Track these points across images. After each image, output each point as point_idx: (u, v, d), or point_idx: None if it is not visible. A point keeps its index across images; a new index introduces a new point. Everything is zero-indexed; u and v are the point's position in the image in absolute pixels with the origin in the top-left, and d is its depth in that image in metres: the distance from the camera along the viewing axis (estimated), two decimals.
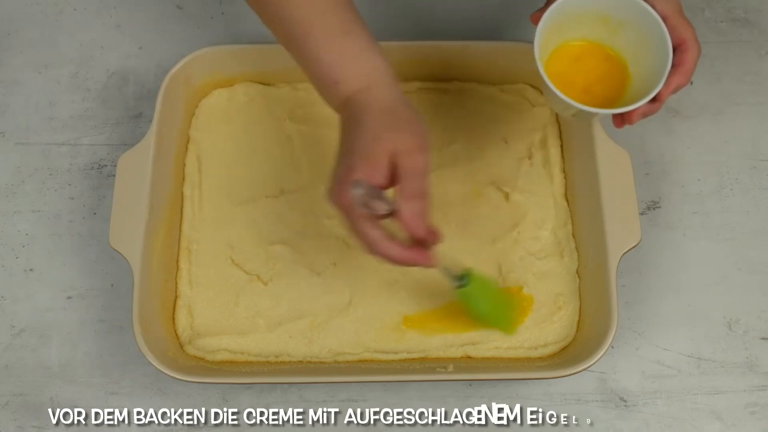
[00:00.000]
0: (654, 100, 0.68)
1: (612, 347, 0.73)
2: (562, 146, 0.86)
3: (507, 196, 0.84)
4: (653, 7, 0.68)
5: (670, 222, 0.86)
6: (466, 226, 0.83)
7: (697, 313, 0.83)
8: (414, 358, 0.79)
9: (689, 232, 0.86)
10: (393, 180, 0.63)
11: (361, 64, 0.66)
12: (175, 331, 0.80)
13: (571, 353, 0.77)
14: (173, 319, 0.80)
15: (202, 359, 0.79)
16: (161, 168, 0.80)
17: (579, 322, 0.79)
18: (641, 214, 0.84)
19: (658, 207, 0.87)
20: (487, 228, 0.83)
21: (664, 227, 0.86)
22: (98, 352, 0.82)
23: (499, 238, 0.82)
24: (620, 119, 0.71)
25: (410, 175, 0.62)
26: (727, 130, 0.90)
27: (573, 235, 0.82)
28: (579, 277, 0.81)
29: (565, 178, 0.85)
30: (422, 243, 0.66)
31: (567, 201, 0.84)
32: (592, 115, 0.69)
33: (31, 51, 0.95)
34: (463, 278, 0.73)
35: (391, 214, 0.63)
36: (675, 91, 0.69)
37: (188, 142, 0.87)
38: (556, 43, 0.73)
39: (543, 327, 0.79)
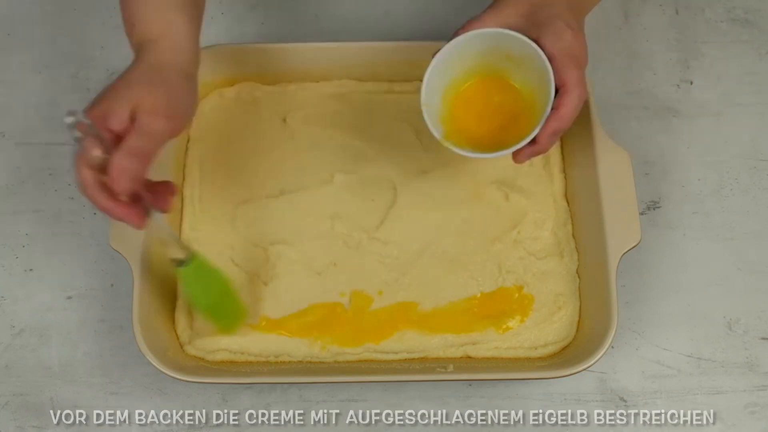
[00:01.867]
0: (535, 142, 0.68)
1: (612, 347, 0.73)
2: (562, 146, 0.86)
3: (507, 196, 0.84)
4: (543, 45, 0.67)
5: (670, 222, 0.86)
6: (466, 226, 0.83)
7: (697, 313, 0.83)
8: (414, 358, 0.79)
9: (689, 232, 0.86)
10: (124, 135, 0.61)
11: (161, 17, 0.66)
12: (175, 331, 0.80)
13: (571, 353, 0.77)
14: (173, 319, 0.80)
15: (202, 359, 0.79)
16: (161, 168, 0.80)
17: (579, 322, 0.79)
18: (641, 214, 0.84)
19: (658, 207, 0.87)
20: (487, 228, 0.83)
21: (664, 227, 0.86)
22: (98, 352, 0.82)
23: (499, 238, 0.82)
24: (514, 156, 0.70)
25: (140, 131, 0.60)
26: (727, 130, 0.90)
27: (573, 235, 0.82)
28: (579, 277, 0.81)
29: (565, 178, 0.85)
30: (139, 204, 0.63)
31: (567, 201, 0.84)
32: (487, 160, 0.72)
33: (31, 51, 0.95)
34: (185, 260, 0.71)
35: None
36: (553, 134, 0.67)
37: (188, 142, 0.87)
38: (456, 76, 0.74)
39: (543, 327, 0.79)
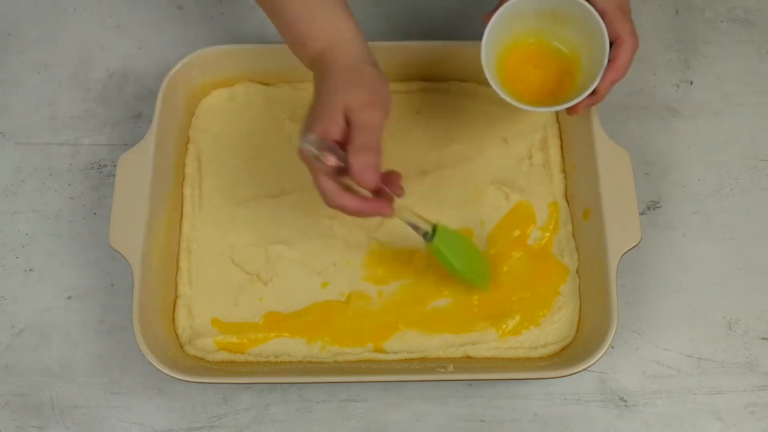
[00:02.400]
0: (594, 93, 0.72)
1: (612, 347, 0.73)
2: (562, 146, 0.86)
3: (507, 196, 0.84)
4: (594, 3, 0.71)
5: (670, 222, 0.86)
6: (465, 227, 0.83)
7: (697, 313, 0.83)
8: (414, 358, 0.79)
9: (689, 232, 0.86)
10: (348, 134, 0.65)
11: (327, 24, 0.69)
12: (175, 331, 0.80)
13: (571, 353, 0.77)
14: (173, 319, 0.80)
15: (202, 359, 0.79)
16: (161, 168, 0.80)
17: (579, 322, 0.79)
18: (641, 214, 0.84)
19: (658, 207, 0.87)
20: (486, 228, 0.83)
21: (664, 227, 0.86)
22: (98, 352, 0.82)
23: (499, 237, 0.82)
24: (570, 109, 0.74)
25: (360, 128, 0.64)
26: (727, 130, 0.90)
27: (573, 235, 0.82)
28: (579, 277, 0.81)
29: (565, 178, 0.85)
30: (382, 196, 0.68)
31: (567, 201, 0.84)
32: (542, 114, 0.74)
33: (31, 51, 0.95)
34: (430, 232, 0.73)
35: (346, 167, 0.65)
36: (611, 84, 0.72)
37: (188, 142, 0.87)
38: (506, 42, 0.76)
39: (543, 327, 0.79)
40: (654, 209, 0.87)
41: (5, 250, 0.86)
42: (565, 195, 0.84)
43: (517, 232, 0.83)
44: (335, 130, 0.65)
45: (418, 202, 0.83)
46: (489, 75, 0.73)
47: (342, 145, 0.65)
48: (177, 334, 0.80)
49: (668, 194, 0.87)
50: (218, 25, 0.96)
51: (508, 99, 0.73)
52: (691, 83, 0.92)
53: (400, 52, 0.86)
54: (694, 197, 0.87)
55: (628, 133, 0.89)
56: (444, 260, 0.75)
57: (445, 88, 0.89)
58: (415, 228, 0.73)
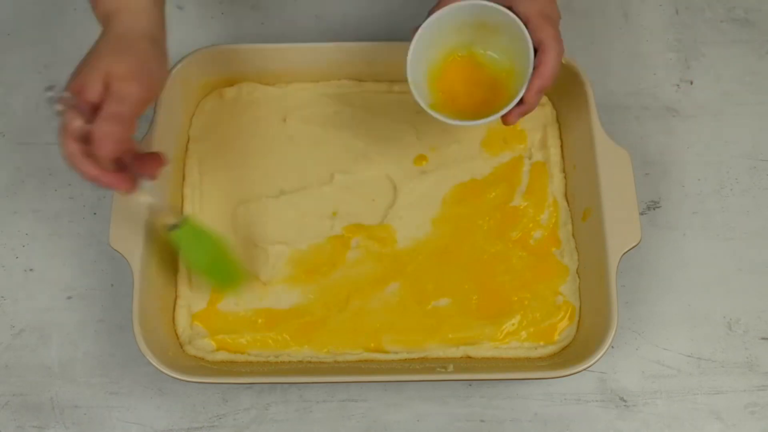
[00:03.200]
0: (522, 102, 0.70)
1: (612, 347, 0.73)
2: (562, 146, 0.86)
3: (507, 196, 0.84)
4: (516, 9, 0.70)
5: (670, 222, 0.86)
6: (465, 226, 0.83)
7: (697, 313, 0.83)
8: (414, 358, 0.79)
9: (689, 232, 0.86)
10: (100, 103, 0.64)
11: None
12: (175, 331, 0.80)
13: (571, 353, 0.77)
14: (173, 319, 0.80)
15: (202, 359, 0.79)
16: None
17: (579, 322, 0.79)
18: (641, 214, 0.84)
19: (658, 207, 0.87)
20: (487, 228, 0.83)
21: (664, 227, 0.86)
22: (98, 352, 0.82)
23: (499, 237, 0.82)
24: (504, 119, 0.72)
25: (114, 98, 0.63)
26: (727, 130, 0.90)
27: (573, 235, 0.82)
28: (579, 277, 0.81)
29: (565, 178, 0.85)
30: (128, 172, 0.66)
31: (567, 201, 0.84)
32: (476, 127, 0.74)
33: (31, 51, 0.95)
34: (177, 224, 0.74)
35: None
36: (539, 92, 0.70)
37: (188, 142, 0.87)
38: (437, 56, 0.75)
39: (543, 327, 0.79)
40: (654, 209, 0.87)
41: (5, 250, 0.86)
42: (565, 195, 0.84)
43: (517, 233, 0.83)
44: (91, 91, 0.63)
45: (419, 201, 0.84)
46: (415, 91, 0.71)
47: (94, 110, 0.63)
48: (177, 334, 0.80)
49: (668, 194, 0.87)
50: (218, 25, 0.96)
51: (436, 115, 0.72)
52: (691, 83, 0.92)
53: (400, 52, 0.85)
54: (694, 197, 0.87)
55: (628, 133, 0.89)
56: (185, 253, 0.76)
57: None
58: (158, 214, 0.73)
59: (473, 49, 0.75)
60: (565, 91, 0.85)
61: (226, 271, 0.79)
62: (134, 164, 0.67)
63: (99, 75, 0.64)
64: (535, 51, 0.69)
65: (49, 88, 0.62)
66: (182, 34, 0.96)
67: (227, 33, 0.96)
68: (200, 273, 0.78)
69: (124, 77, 0.64)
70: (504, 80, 0.74)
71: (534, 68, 0.69)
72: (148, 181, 0.69)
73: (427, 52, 0.74)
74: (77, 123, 0.63)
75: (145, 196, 0.70)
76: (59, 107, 0.62)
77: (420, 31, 0.72)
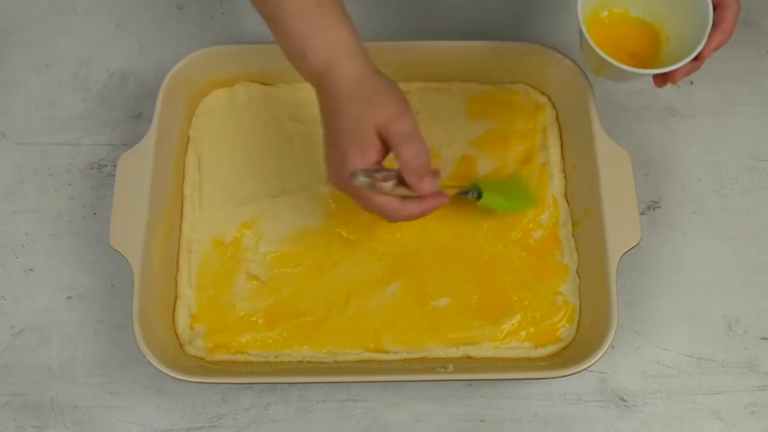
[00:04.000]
0: (696, 58, 0.70)
1: (612, 347, 0.73)
2: (562, 146, 0.86)
3: None
4: None
5: (670, 222, 0.86)
6: (465, 226, 0.83)
7: (697, 313, 0.83)
8: (414, 358, 0.79)
9: (689, 232, 0.86)
10: (387, 148, 0.66)
11: (327, 37, 0.67)
12: (175, 331, 0.80)
13: (571, 353, 0.77)
14: (173, 319, 0.80)
15: (202, 359, 0.79)
16: (161, 168, 0.80)
17: (579, 322, 0.79)
18: (641, 214, 0.84)
19: (658, 207, 0.87)
20: (486, 227, 0.83)
21: (664, 227, 0.86)
22: (98, 352, 0.82)
23: (499, 237, 0.82)
24: (661, 78, 0.72)
25: (401, 141, 0.64)
26: (727, 130, 0.90)
27: (573, 235, 0.82)
28: (579, 277, 0.81)
29: (565, 178, 0.85)
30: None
31: (567, 201, 0.84)
32: (632, 75, 0.71)
33: (31, 51, 0.95)
34: (476, 190, 0.78)
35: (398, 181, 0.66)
36: (717, 48, 0.70)
37: (188, 142, 0.87)
38: (593, 11, 0.74)
39: (543, 327, 0.79)
40: (654, 209, 0.87)
41: (5, 250, 0.86)
42: (565, 195, 0.84)
43: (517, 233, 0.83)
44: (374, 154, 0.65)
45: None
46: (586, 34, 0.70)
47: (380, 162, 0.66)
48: (177, 334, 0.80)
49: (668, 194, 0.87)
50: (218, 25, 0.96)
51: (610, 59, 0.69)
52: (691, 83, 0.92)
53: (401, 52, 0.86)
54: (694, 197, 0.87)
55: (628, 133, 0.89)
56: (498, 207, 0.81)
57: (446, 88, 0.89)
58: (465, 194, 0.78)
59: (626, 7, 0.75)
60: (565, 91, 0.85)
61: (523, 192, 0.83)
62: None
63: (373, 132, 0.65)
64: (715, 8, 0.69)
65: (356, 176, 0.63)
66: (182, 34, 0.96)
67: (227, 33, 0.96)
68: (516, 209, 0.83)
69: (394, 119, 0.65)
70: (653, 41, 0.74)
71: (714, 24, 0.69)
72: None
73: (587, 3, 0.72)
74: (388, 186, 0.65)
75: (453, 190, 0.77)
76: (367, 182, 0.64)
77: None
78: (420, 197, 0.68)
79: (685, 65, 0.70)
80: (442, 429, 0.79)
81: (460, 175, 0.85)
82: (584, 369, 0.72)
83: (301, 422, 0.79)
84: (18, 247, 0.86)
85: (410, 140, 0.65)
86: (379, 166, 0.66)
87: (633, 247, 0.75)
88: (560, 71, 0.84)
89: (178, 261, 0.82)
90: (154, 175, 0.78)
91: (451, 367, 0.76)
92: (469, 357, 0.79)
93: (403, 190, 0.67)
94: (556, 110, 0.88)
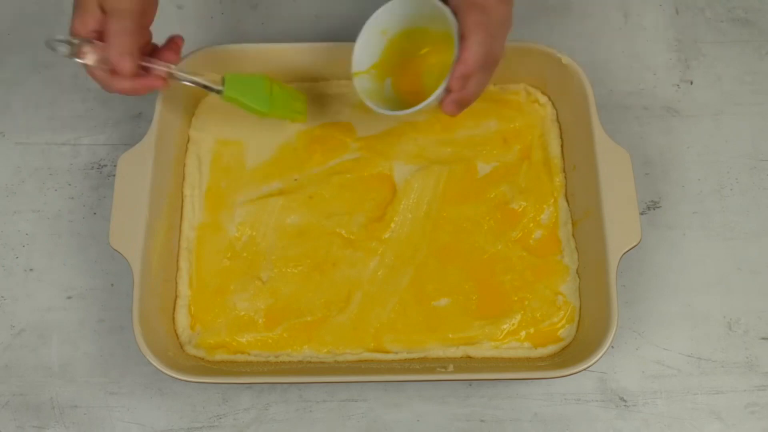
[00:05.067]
0: (449, 90, 0.71)
1: (612, 347, 0.74)
2: (562, 146, 0.86)
3: (507, 196, 0.84)
4: (448, 1, 0.71)
5: (670, 222, 0.86)
6: (465, 226, 0.83)
7: (697, 313, 0.83)
8: (414, 358, 0.79)
9: (689, 232, 0.86)
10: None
11: None
12: (175, 331, 0.80)
13: (571, 353, 0.77)
14: (173, 319, 0.80)
15: (202, 359, 0.79)
16: (161, 168, 0.80)
17: (579, 322, 0.79)
18: (641, 214, 0.84)
19: (658, 207, 0.87)
20: (487, 227, 0.83)
21: (664, 227, 0.86)
22: (98, 352, 0.82)
23: (500, 237, 0.82)
24: (444, 108, 0.73)
25: (112, 14, 0.67)
26: (727, 130, 0.90)
27: (573, 235, 0.82)
28: (579, 277, 0.81)
29: (565, 178, 0.85)
30: (151, 71, 0.72)
31: (567, 201, 0.84)
32: (396, 117, 0.75)
33: (31, 51, 0.95)
34: (221, 86, 0.77)
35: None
36: (462, 78, 0.70)
37: (188, 142, 0.87)
38: (384, 47, 0.78)
39: (543, 327, 0.79)
40: (654, 209, 0.87)
41: (5, 250, 0.86)
42: (565, 195, 0.84)
43: (517, 233, 0.83)
44: (92, 21, 0.68)
45: (419, 201, 0.84)
46: (357, 84, 0.76)
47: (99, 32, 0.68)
48: (177, 334, 0.80)
49: (668, 194, 0.87)
50: (218, 25, 0.96)
51: (369, 104, 0.75)
52: (691, 83, 0.92)
53: None
54: (694, 197, 0.87)
55: (628, 133, 0.89)
56: (244, 106, 0.78)
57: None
58: (204, 87, 0.76)
59: (420, 42, 0.78)
60: (565, 91, 0.85)
61: (286, 100, 0.82)
62: (159, 59, 0.73)
63: (94, 4, 0.67)
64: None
65: (49, 43, 0.67)
66: (182, 34, 0.95)
67: (227, 33, 0.96)
68: (267, 113, 0.80)
69: None
70: (443, 72, 0.74)
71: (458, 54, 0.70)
72: (172, 67, 0.74)
73: (374, 46, 0.77)
74: (94, 57, 0.68)
75: (186, 77, 0.75)
76: (67, 52, 0.68)
77: (364, 29, 0.75)
78: (135, 76, 0.70)
79: (448, 97, 0.71)
80: (442, 429, 0.79)
81: None
82: (584, 369, 0.72)
83: (301, 422, 0.79)
84: (18, 247, 0.86)
85: (120, 17, 0.67)
86: (95, 34, 0.69)
87: (633, 247, 0.75)
88: (560, 71, 0.84)
89: (178, 261, 0.82)
90: (154, 175, 0.78)
91: (451, 367, 0.76)
92: (469, 357, 0.79)
93: None
94: (556, 110, 0.88)
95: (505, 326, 0.79)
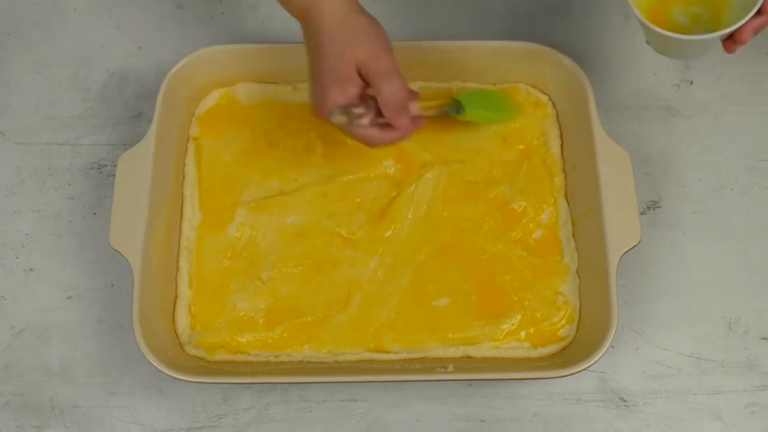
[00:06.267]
0: (761, 12, 0.66)
1: (612, 347, 0.73)
2: (562, 146, 0.86)
3: (507, 196, 0.84)
4: None
5: (670, 222, 0.86)
6: (465, 226, 0.83)
7: (697, 313, 0.83)
8: (414, 358, 0.79)
9: (689, 232, 0.86)
10: (366, 84, 0.71)
11: None
12: (175, 331, 0.80)
13: (571, 353, 0.77)
14: (173, 319, 0.80)
15: (202, 359, 0.79)
16: (161, 168, 0.80)
17: (579, 322, 0.79)
18: (641, 214, 0.84)
19: (658, 207, 0.87)
20: (487, 228, 0.83)
21: (664, 227, 0.86)
22: (98, 352, 0.82)
23: (500, 237, 0.82)
24: (731, 43, 0.70)
25: (380, 79, 0.69)
26: (727, 130, 0.90)
27: (573, 235, 0.82)
28: (579, 277, 0.81)
29: (565, 178, 0.85)
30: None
31: (567, 201, 0.84)
32: (697, 46, 0.68)
33: (31, 51, 0.95)
34: (456, 106, 0.81)
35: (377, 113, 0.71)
36: None
37: (188, 142, 0.87)
38: None
39: (543, 327, 0.79)
40: (654, 209, 0.87)
41: (5, 250, 0.86)
42: (565, 195, 0.84)
43: (517, 233, 0.83)
44: (354, 90, 0.70)
45: (419, 201, 0.84)
46: (637, 13, 0.68)
47: (360, 96, 0.71)
48: (177, 334, 0.80)
49: (668, 194, 0.87)
50: (218, 25, 0.96)
51: (657, 29, 0.67)
52: (691, 83, 0.92)
53: (401, 52, 0.85)
54: (694, 197, 0.87)
55: (628, 133, 0.89)
56: (482, 118, 0.84)
57: (446, 88, 0.89)
58: (446, 113, 0.80)
59: None
60: (565, 91, 0.85)
61: (504, 103, 0.86)
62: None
63: (353, 69, 0.69)
64: None
65: (333, 114, 0.69)
66: (182, 34, 0.96)
67: (227, 33, 0.96)
68: (499, 119, 0.85)
69: (375, 58, 0.69)
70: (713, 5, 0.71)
71: None
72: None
73: None
74: (366, 120, 0.71)
75: (431, 111, 0.79)
76: (344, 119, 0.70)
77: None
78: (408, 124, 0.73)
79: (749, 22, 0.66)
80: (442, 429, 0.79)
81: None
82: (584, 369, 0.72)
83: (301, 422, 0.79)
84: (18, 247, 0.86)
85: (388, 78, 0.69)
86: (358, 100, 0.71)
87: (633, 247, 0.75)
88: (560, 71, 0.84)
89: (178, 261, 0.82)
90: (154, 175, 0.78)
91: (451, 367, 0.76)
92: (469, 357, 0.79)
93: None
94: (556, 110, 0.88)
95: (505, 326, 0.79)
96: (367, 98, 0.72)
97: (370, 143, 0.73)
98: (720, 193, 0.87)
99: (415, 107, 0.75)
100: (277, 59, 0.86)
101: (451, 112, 0.81)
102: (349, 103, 0.70)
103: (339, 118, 0.69)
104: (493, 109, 0.84)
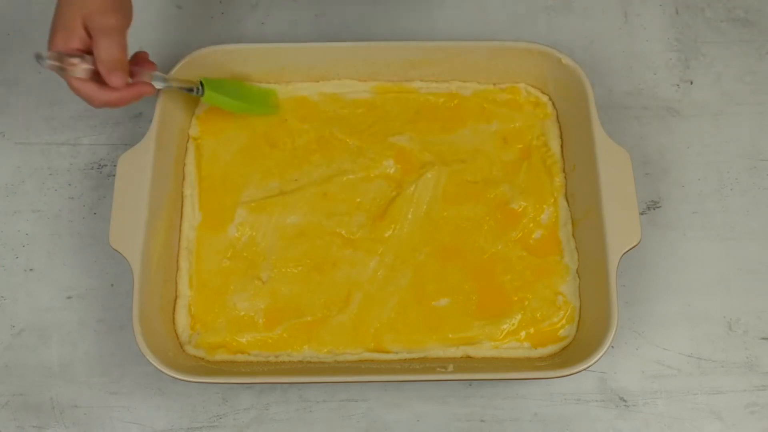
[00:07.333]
0: None
1: (612, 347, 0.74)
2: (562, 146, 0.86)
3: (507, 196, 0.84)
4: None
5: (670, 222, 0.86)
6: (465, 226, 0.83)
7: (697, 313, 0.83)
8: (414, 358, 0.79)
9: (689, 232, 0.86)
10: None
11: None
12: (175, 331, 0.80)
13: (571, 353, 0.77)
14: (173, 319, 0.80)
15: (202, 359, 0.79)
16: (161, 168, 0.80)
17: (579, 322, 0.79)
18: (641, 214, 0.84)
19: (658, 207, 0.87)
20: (487, 228, 0.83)
21: (664, 227, 0.86)
22: (98, 351, 0.82)
23: (499, 237, 0.82)
24: None
25: (99, 34, 0.70)
26: (727, 130, 0.90)
27: (573, 235, 0.82)
28: (579, 277, 0.81)
29: (565, 178, 0.85)
30: (138, 79, 0.75)
31: (567, 201, 0.84)
32: None
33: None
34: (200, 87, 0.82)
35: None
36: None
37: (188, 141, 0.87)
38: None
39: (543, 327, 0.79)
40: (654, 209, 0.87)
41: (5, 250, 0.86)
42: (565, 195, 0.84)
43: (517, 233, 0.83)
44: (76, 40, 0.70)
45: (419, 201, 0.84)
46: None
47: (87, 52, 0.71)
48: (177, 334, 0.80)
49: (668, 194, 0.87)
50: (218, 25, 0.96)
51: None
52: (691, 83, 0.92)
53: (401, 52, 0.86)
54: (694, 197, 0.87)
55: (628, 133, 0.89)
56: (223, 104, 0.84)
57: (446, 88, 0.89)
58: (185, 90, 0.81)
59: None
60: (565, 91, 0.85)
61: (257, 98, 0.87)
62: (137, 70, 0.75)
63: (78, 20, 0.69)
64: None
65: (39, 56, 0.69)
66: (182, 34, 0.96)
67: (227, 33, 0.96)
68: (240, 110, 0.85)
69: (101, 12, 0.70)
70: None
71: None
72: (154, 73, 0.77)
73: None
74: (80, 69, 0.70)
75: (167, 83, 0.79)
76: (55, 65, 0.69)
77: None
78: (123, 89, 0.73)
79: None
80: (442, 429, 0.79)
81: None
82: (584, 369, 0.72)
83: (301, 422, 0.79)
84: (18, 247, 0.86)
85: (108, 35, 0.70)
86: (79, 52, 0.71)
87: (633, 247, 0.75)
88: (560, 71, 0.84)
89: (178, 261, 0.82)
90: (154, 174, 0.78)
91: (451, 367, 0.76)
92: (469, 357, 0.79)
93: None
94: (556, 110, 0.88)
95: (505, 326, 0.79)
96: (90, 54, 0.72)
97: (90, 99, 0.73)
98: (720, 193, 0.87)
99: (148, 76, 0.76)
100: (277, 59, 0.86)
101: (191, 92, 0.82)
102: (68, 53, 0.70)
103: (49, 63, 0.69)
104: (239, 99, 0.85)
